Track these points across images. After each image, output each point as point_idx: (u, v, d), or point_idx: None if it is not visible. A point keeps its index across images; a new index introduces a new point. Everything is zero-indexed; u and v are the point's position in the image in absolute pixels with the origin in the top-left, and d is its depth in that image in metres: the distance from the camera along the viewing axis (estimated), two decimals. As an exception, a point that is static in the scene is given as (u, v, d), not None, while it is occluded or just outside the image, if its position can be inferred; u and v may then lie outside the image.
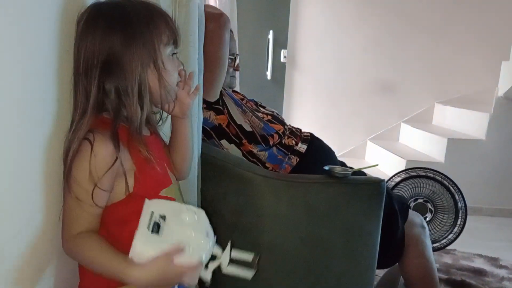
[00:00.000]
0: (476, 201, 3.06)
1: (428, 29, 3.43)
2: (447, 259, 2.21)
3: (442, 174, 1.83)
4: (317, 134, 1.52)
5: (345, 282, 1.36)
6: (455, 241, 2.34)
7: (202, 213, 0.74)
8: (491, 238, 2.65)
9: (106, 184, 0.73)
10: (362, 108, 3.58)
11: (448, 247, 2.32)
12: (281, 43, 3.44)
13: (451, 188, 1.77)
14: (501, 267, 2.16)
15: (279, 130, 1.41)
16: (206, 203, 1.34)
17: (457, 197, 1.73)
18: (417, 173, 1.87)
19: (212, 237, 0.72)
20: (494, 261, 2.23)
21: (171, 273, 0.68)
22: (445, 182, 1.79)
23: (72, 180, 0.72)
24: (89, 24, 0.75)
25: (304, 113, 3.56)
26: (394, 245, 1.41)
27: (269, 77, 3.46)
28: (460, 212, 1.72)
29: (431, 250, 1.47)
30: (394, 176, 2.11)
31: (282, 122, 1.46)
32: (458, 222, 1.74)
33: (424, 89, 3.54)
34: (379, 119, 3.61)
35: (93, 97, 0.75)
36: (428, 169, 1.88)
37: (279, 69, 3.48)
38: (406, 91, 3.55)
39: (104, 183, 0.73)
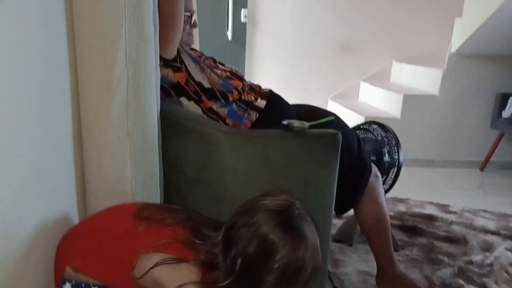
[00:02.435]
0: (430, 154, 3.23)
1: (385, -13, 3.47)
2: (401, 207, 2.35)
3: (383, 127, 1.89)
4: (279, 93, 1.55)
5: (304, 230, 1.44)
6: (407, 191, 2.50)
7: None
8: (443, 187, 2.83)
9: None
10: (322, 67, 3.63)
11: (403, 197, 2.47)
12: (241, 2, 3.39)
13: (380, 140, 1.84)
14: (450, 212, 2.33)
15: (238, 86, 1.43)
16: (168, 160, 1.37)
17: (385, 150, 1.81)
18: (364, 126, 1.94)
19: None
20: (444, 207, 2.40)
21: None
22: (374, 134, 1.86)
23: None
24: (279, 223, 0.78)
25: (266, 73, 3.57)
26: (354, 190, 1.50)
27: (230, 38, 3.43)
28: (387, 164, 1.81)
29: (383, 197, 1.56)
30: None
31: (241, 78, 1.48)
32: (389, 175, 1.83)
33: (381, 47, 3.62)
34: (339, 78, 3.68)
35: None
36: (373, 122, 1.95)
37: (240, 29, 3.45)
38: (364, 50, 3.61)
39: None
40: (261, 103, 1.45)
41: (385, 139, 1.85)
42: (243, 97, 1.43)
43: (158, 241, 0.80)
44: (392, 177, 1.85)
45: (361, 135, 1.89)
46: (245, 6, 3.41)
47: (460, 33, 3.04)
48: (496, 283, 1.63)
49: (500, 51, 3.07)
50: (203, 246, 0.80)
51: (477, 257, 1.81)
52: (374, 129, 1.88)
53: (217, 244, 0.80)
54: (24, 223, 0.77)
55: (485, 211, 2.37)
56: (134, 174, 1.07)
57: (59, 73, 1.01)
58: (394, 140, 1.86)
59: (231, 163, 1.33)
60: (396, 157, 1.83)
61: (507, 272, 1.70)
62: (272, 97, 1.49)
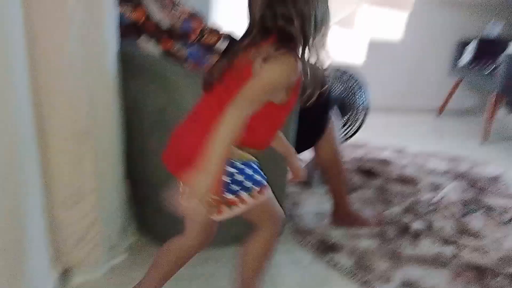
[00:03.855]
0: (390, 100, 3.32)
1: None
2: (359, 152, 2.44)
3: (347, 73, 1.94)
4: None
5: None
6: (365, 137, 2.58)
7: None
8: (399, 133, 2.94)
9: None
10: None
11: (362, 142, 2.56)
12: None
13: (349, 87, 1.90)
14: (404, 157, 2.45)
15: (199, 27, 1.41)
16: (129, 102, 1.36)
17: (353, 98, 1.88)
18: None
19: None
20: (399, 152, 2.51)
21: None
22: (341, 82, 1.92)
23: None
24: None
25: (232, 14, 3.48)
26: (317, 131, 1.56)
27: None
28: (356, 111, 1.89)
29: (339, 139, 1.63)
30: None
31: (202, 20, 1.45)
32: (354, 119, 1.92)
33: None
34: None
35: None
36: (338, 69, 1.99)
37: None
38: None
39: None
40: (222, 45, 1.43)
41: (351, 87, 1.90)
42: (204, 39, 1.41)
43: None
44: (358, 123, 1.92)
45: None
46: None
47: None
48: (442, 218, 1.76)
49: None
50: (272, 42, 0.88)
51: (425, 196, 1.94)
52: (340, 76, 1.93)
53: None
54: None
55: (437, 154, 2.50)
56: (90, 114, 1.06)
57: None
58: (358, 88, 1.92)
59: (191, 106, 1.33)
60: (362, 102, 1.89)
61: (452, 208, 1.83)
62: (233, 40, 1.48)
